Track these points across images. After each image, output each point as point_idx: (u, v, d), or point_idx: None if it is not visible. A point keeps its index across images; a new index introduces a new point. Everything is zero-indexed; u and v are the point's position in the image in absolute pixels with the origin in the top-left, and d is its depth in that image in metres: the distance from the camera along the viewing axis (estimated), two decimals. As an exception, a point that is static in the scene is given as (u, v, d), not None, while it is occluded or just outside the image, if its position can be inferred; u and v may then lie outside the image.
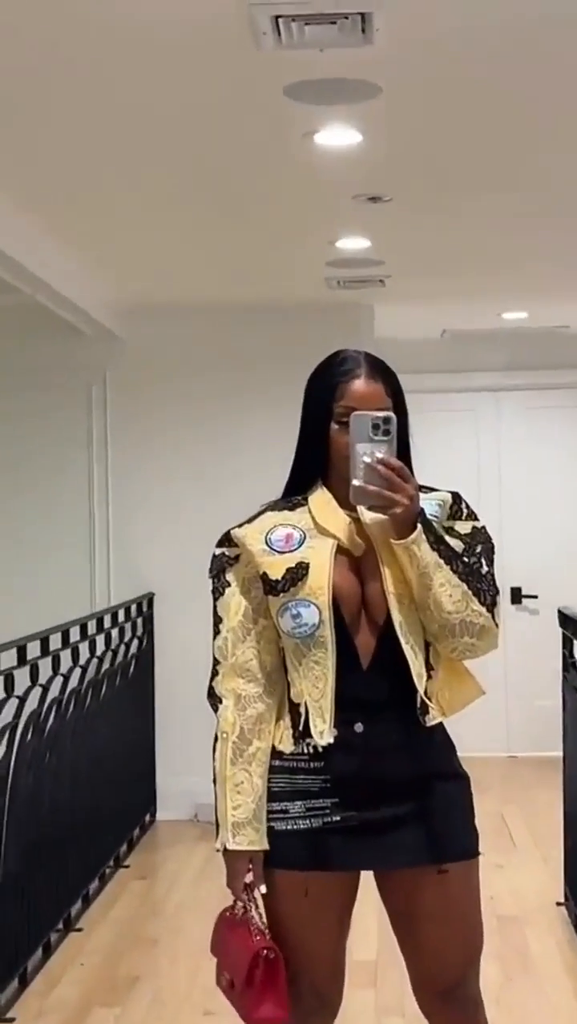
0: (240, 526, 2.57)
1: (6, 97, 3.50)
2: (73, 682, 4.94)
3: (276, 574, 2.48)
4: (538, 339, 7.72)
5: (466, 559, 2.49)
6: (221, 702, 2.51)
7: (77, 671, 5.03)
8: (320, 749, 2.44)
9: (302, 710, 2.46)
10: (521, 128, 3.88)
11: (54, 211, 4.66)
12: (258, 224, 4.94)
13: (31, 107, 3.61)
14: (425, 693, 2.48)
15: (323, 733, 2.43)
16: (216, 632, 2.54)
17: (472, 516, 2.57)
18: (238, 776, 2.46)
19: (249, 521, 2.57)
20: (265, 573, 2.49)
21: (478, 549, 2.53)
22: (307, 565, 2.47)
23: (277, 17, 2.89)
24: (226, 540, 2.57)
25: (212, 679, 2.54)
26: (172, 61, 3.25)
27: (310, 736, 2.45)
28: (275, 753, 2.50)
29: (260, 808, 2.46)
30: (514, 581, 7.85)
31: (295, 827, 2.46)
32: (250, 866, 2.46)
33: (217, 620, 2.55)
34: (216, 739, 2.50)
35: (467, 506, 2.58)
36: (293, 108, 3.52)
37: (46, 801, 4.52)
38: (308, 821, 2.46)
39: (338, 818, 2.45)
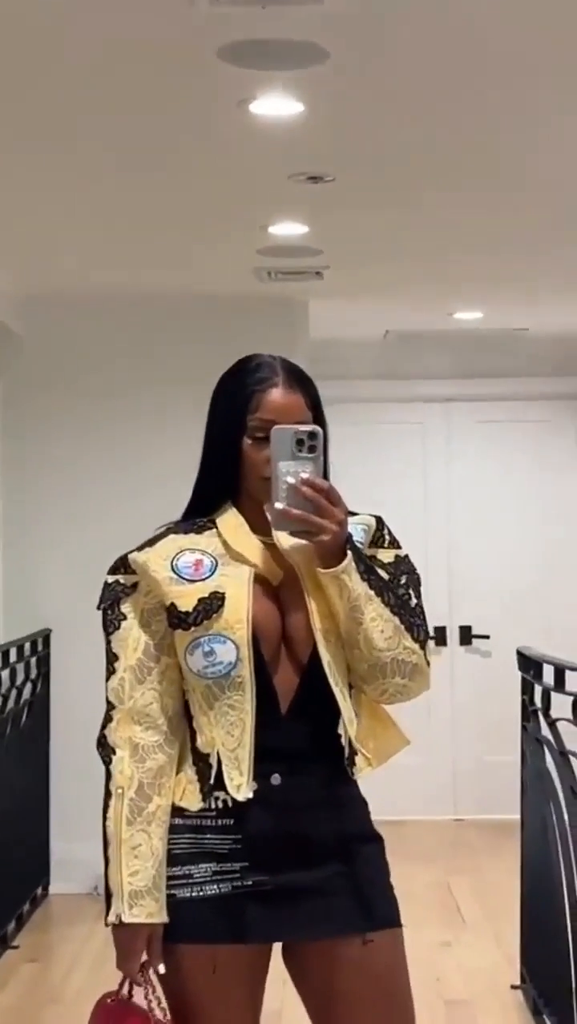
0: (139, 550, 2.57)
1: None
2: None
3: (186, 605, 2.48)
4: (494, 343, 7.82)
5: (395, 591, 2.54)
6: (115, 752, 2.49)
7: None
8: (230, 804, 2.45)
9: (212, 761, 2.47)
10: (484, 108, 3.92)
11: None
12: (181, 204, 4.96)
13: None
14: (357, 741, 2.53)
15: (240, 787, 2.44)
16: (110, 672, 2.53)
17: (395, 543, 2.63)
18: (136, 838, 2.45)
19: (149, 544, 2.57)
20: (173, 604, 2.49)
21: (403, 580, 2.59)
22: (222, 595, 2.49)
23: (211, -33, 2.93)
24: (121, 566, 2.57)
25: (104, 726, 2.52)
26: (90, 14, 3.23)
27: (220, 790, 2.46)
28: (175, 810, 2.49)
29: (160, 875, 2.45)
30: (464, 619, 7.99)
31: (200, 893, 2.46)
32: (147, 943, 2.45)
33: (112, 658, 2.54)
34: (108, 795, 2.48)
35: (389, 532, 2.63)
36: (227, 72, 3.51)
37: None
38: (216, 886, 2.46)
39: (250, 883, 2.46)
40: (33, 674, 6.29)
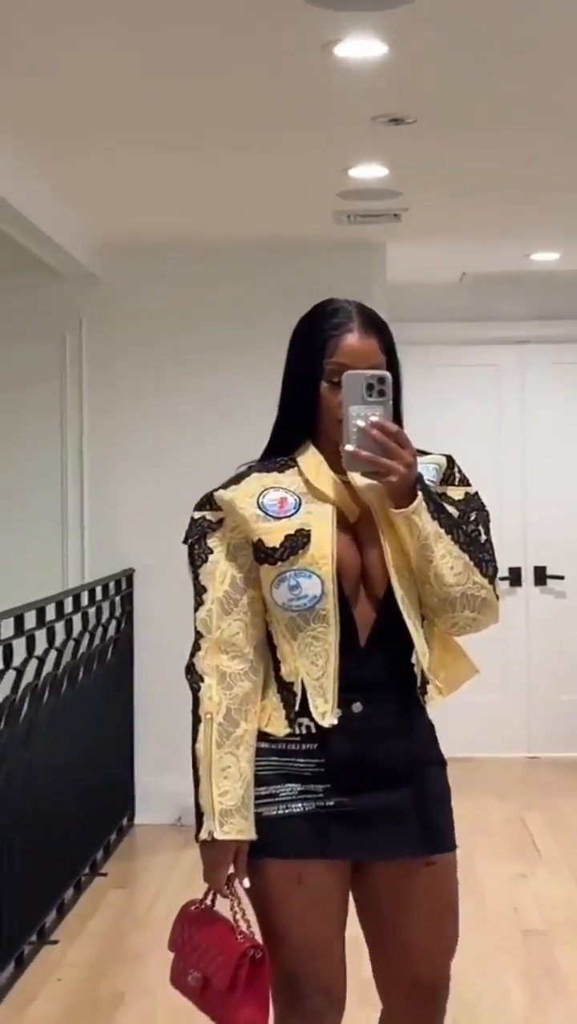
0: (224, 487, 2.62)
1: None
2: (47, 667, 5.00)
3: (273, 541, 2.54)
4: (571, 284, 7.77)
5: (465, 528, 2.60)
6: (203, 680, 2.56)
7: (52, 654, 5.09)
8: (314, 730, 2.54)
9: (297, 689, 2.55)
10: (564, 49, 3.89)
11: (29, 132, 4.66)
12: (262, 148, 4.97)
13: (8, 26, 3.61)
14: (430, 671, 2.61)
15: (325, 715, 2.52)
16: (199, 603, 2.59)
17: (465, 481, 2.68)
18: (225, 760, 2.53)
19: (235, 482, 2.63)
20: (260, 540, 2.55)
21: (473, 516, 2.65)
22: (308, 532, 2.55)
23: None
24: (208, 503, 2.63)
25: (193, 655, 2.59)
26: None
27: (305, 717, 2.54)
28: (262, 736, 2.57)
29: (248, 795, 2.53)
30: (538, 560, 7.98)
31: (287, 811, 2.54)
32: (234, 858, 2.53)
33: (200, 590, 2.60)
34: (197, 720, 2.56)
35: (460, 471, 2.68)
36: (312, 14, 3.52)
37: (15, 801, 4.58)
38: (300, 805, 2.55)
39: (332, 803, 2.54)
40: (117, 612, 6.37)
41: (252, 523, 2.57)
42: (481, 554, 2.60)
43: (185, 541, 2.64)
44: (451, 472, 2.68)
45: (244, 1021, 2.52)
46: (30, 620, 4.83)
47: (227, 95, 4.34)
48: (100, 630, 5.99)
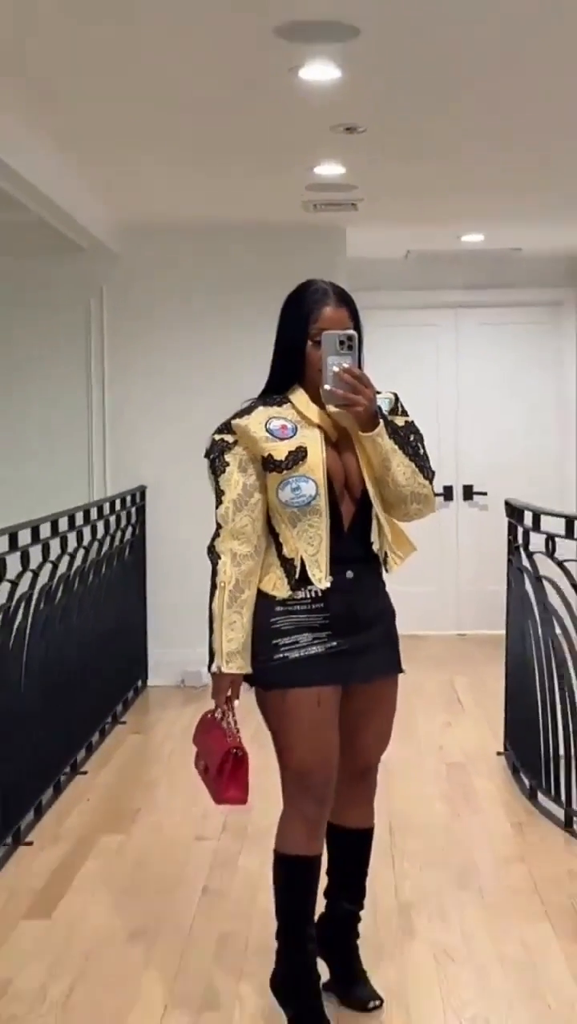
0: (239, 417, 2.80)
1: (22, 35, 3.52)
2: (77, 562, 5.06)
3: (280, 455, 2.74)
4: (493, 260, 7.74)
5: (410, 446, 2.82)
6: (220, 558, 2.77)
7: (81, 552, 5.14)
8: (319, 594, 2.75)
9: (296, 563, 2.75)
10: (484, 67, 3.89)
11: (62, 133, 4.65)
12: (245, 150, 4.96)
13: (49, 46, 3.64)
14: (388, 548, 2.85)
15: (320, 580, 2.74)
16: (219, 503, 2.79)
17: (405, 412, 2.89)
18: (232, 617, 2.75)
19: (246, 413, 2.80)
20: (270, 455, 2.75)
21: (412, 438, 2.85)
22: (305, 449, 2.75)
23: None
24: (226, 428, 2.81)
25: (213, 539, 2.79)
26: (182, 6, 3.27)
27: (308, 584, 2.74)
28: (275, 601, 2.77)
29: (246, 643, 2.75)
30: (467, 480, 8.02)
31: (307, 653, 2.76)
32: (232, 686, 2.78)
33: (220, 493, 2.79)
34: (214, 587, 2.77)
35: (402, 405, 2.89)
36: (282, 46, 3.56)
37: (54, 666, 4.66)
38: (315, 648, 2.77)
39: (334, 644, 2.77)
40: (133, 520, 6.37)
41: (262, 443, 2.75)
42: (422, 463, 2.82)
43: (207, 455, 2.82)
44: (396, 406, 2.88)
45: (229, 798, 2.77)
46: (63, 524, 4.89)
47: (217, 109, 4.35)
48: (119, 533, 6.02)
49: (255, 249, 6.56)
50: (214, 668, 2.77)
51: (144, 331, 6.70)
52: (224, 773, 2.76)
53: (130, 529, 6.32)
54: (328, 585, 2.75)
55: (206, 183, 5.60)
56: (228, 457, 2.79)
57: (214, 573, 2.78)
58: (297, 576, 2.76)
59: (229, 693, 2.79)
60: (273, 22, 3.40)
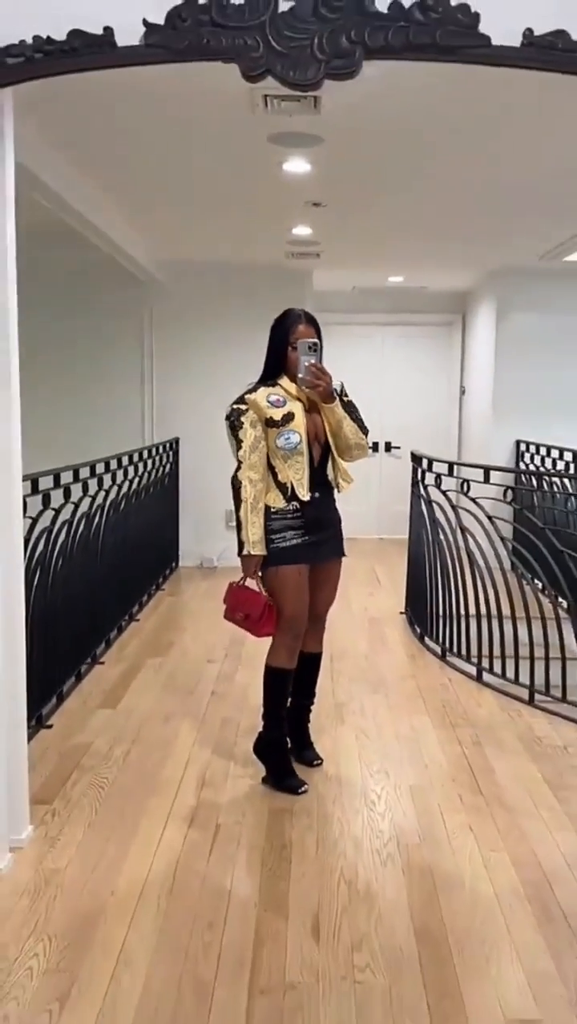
0: (250, 393, 2.81)
1: (116, 137, 3.45)
2: (133, 485, 5.03)
3: (278, 417, 2.76)
4: (409, 294, 7.66)
5: (353, 415, 2.83)
6: (242, 483, 2.76)
7: (136, 479, 5.11)
8: (299, 506, 2.77)
9: (288, 486, 2.77)
10: (407, 168, 3.85)
11: (126, 197, 4.53)
12: (248, 215, 4.87)
13: (129, 145, 3.55)
14: (339, 478, 2.87)
15: (304, 495, 2.77)
16: (239, 447, 2.78)
17: (346, 394, 2.88)
18: (254, 519, 2.76)
19: (254, 391, 2.81)
20: (271, 416, 2.76)
21: (353, 410, 2.86)
22: (293, 413, 2.78)
23: (265, 96, 2.93)
24: (241, 401, 2.81)
25: (237, 471, 2.78)
26: (206, 120, 3.22)
27: (295, 500, 2.77)
28: (272, 511, 2.78)
29: (263, 537, 2.76)
30: (388, 438, 7.94)
31: (292, 543, 2.79)
32: (257, 564, 2.79)
33: (240, 441, 2.78)
34: (241, 501, 2.76)
35: (345, 389, 2.89)
36: (273, 149, 3.53)
37: (114, 551, 4.60)
38: (297, 539, 2.80)
39: (308, 538, 2.81)
40: (170, 460, 6.30)
41: (266, 409, 2.76)
42: (362, 425, 2.84)
43: (228, 418, 2.80)
44: (342, 390, 2.88)
45: (267, 632, 2.81)
46: (125, 460, 4.85)
47: (230, 188, 4.25)
48: (160, 468, 5.95)
49: (253, 282, 6.45)
50: (246, 551, 2.76)
51: (179, 335, 6.59)
52: (263, 617, 2.79)
53: (168, 465, 6.26)
54: (309, 498, 2.78)
55: (221, 237, 5.49)
56: (243, 419, 2.79)
57: (239, 492, 2.77)
58: (289, 494, 2.78)
59: (256, 567, 2.81)
60: (267, 132, 3.37)
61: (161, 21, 1.93)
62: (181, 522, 6.69)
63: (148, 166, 3.91)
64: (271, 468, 2.82)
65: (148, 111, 3.14)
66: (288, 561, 2.80)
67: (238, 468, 2.79)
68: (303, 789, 2.92)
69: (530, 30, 1.62)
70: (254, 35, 1.81)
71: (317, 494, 2.83)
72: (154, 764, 3.11)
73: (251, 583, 2.84)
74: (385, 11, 1.75)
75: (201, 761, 3.15)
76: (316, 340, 2.78)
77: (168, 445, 6.32)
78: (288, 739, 3.13)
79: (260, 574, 2.84)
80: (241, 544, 2.79)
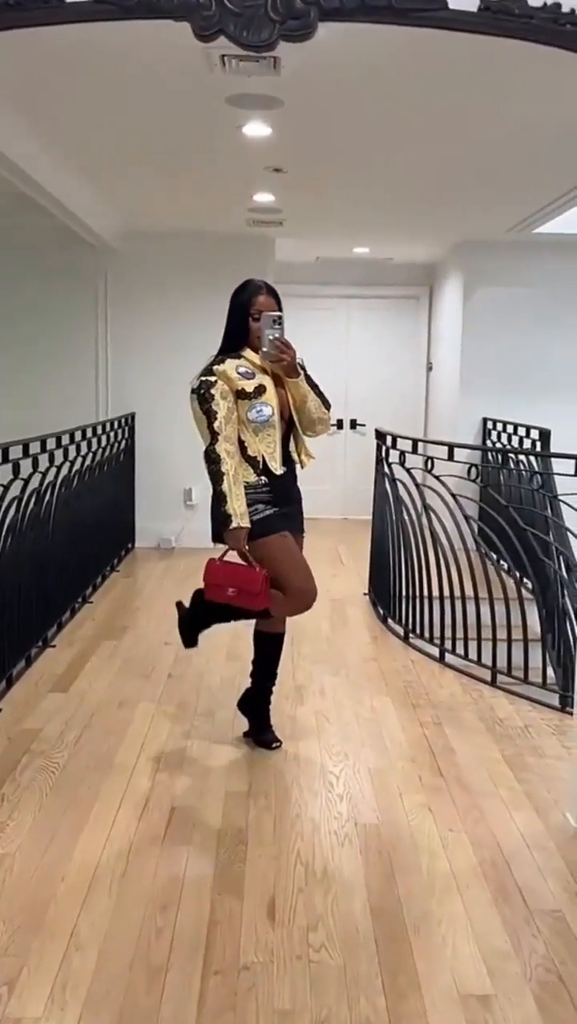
0: (217, 365, 2.79)
1: (71, 98, 3.39)
2: (87, 461, 5.01)
3: (249, 388, 2.77)
4: (374, 266, 7.65)
5: (316, 388, 2.86)
6: (221, 456, 2.74)
7: (90, 455, 5.09)
8: (271, 480, 2.79)
9: (259, 460, 2.79)
10: (373, 127, 3.82)
11: (81, 161, 4.48)
12: (207, 181, 4.84)
13: (84, 106, 3.50)
14: (301, 454, 2.90)
15: (277, 468, 2.79)
16: (213, 419, 2.76)
17: (306, 368, 2.88)
18: (237, 491, 2.76)
19: (221, 363, 2.79)
20: (242, 388, 2.76)
21: (313, 383, 2.87)
22: (264, 386, 2.79)
23: (223, 56, 2.91)
24: (209, 372, 2.79)
25: (212, 444, 2.76)
26: (163, 79, 3.19)
27: (265, 474, 2.78)
28: (245, 484, 2.79)
29: (245, 508, 2.76)
30: (352, 415, 7.97)
31: (267, 513, 2.80)
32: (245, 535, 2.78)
33: (212, 413, 2.76)
34: (222, 474, 2.74)
35: (304, 364, 2.88)
36: (231, 111, 3.51)
37: (66, 529, 4.58)
38: (273, 510, 2.81)
39: (279, 509, 2.83)
40: (126, 436, 6.27)
41: (236, 381, 2.76)
42: (324, 399, 2.87)
43: (197, 391, 2.77)
44: (302, 363, 2.87)
45: (263, 604, 2.79)
46: (78, 435, 4.81)
47: (189, 152, 4.22)
48: (116, 443, 5.92)
49: (213, 250, 6.40)
50: (233, 525, 2.74)
51: (136, 306, 6.52)
52: (262, 590, 2.77)
53: (124, 441, 6.22)
54: (282, 472, 2.80)
55: (180, 203, 5.44)
56: (214, 391, 2.77)
57: (219, 466, 2.74)
58: (261, 468, 2.80)
59: (244, 539, 2.79)
60: (225, 94, 3.34)
61: (110, -25, 1.92)
62: (137, 501, 6.65)
63: (103, 129, 3.86)
64: (240, 442, 2.82)
65: (102, 70, 3.10)
66: (269, 531, 2.81)
67: (214, 441, 2.76)
68: (275, 744, 3.09)
69: (489, -6, 1.64)
70: (207, -8, 1.80)
71: (285, 468, 2.85)
72: (107, 748, 3.13)
73: (233, 557, 2.83)
74: (342, -29, 1.77)
75: (156, 745, 3.17)
76: (280, 313, 2.79)
77: (124, 420, 6.28)
78: (248, 721, 3.18)
79: (253, 555, 2.84)
80: (227, 517, 2.76)
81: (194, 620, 3.04)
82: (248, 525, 2.77)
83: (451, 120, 3.61)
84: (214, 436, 2.76)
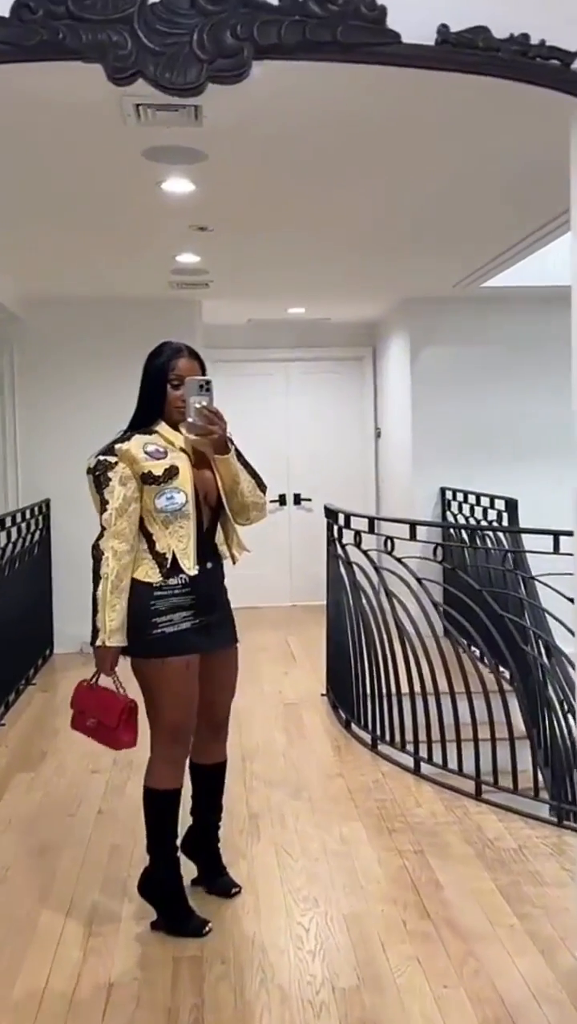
0: (121, 443, 2.67)
1: None
2: None
3: (158, 471, 2.63)
4: (311, 327, 7.77)
5: (248, 466, 2.76)
6: (104, 554, 2.61)
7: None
8: (187, 581, 2.63)
9: (168, 556, 2.63)
10: (306, 177, 3.83)
11: None
12: (123, 242, 4.83)
13: None
14: (232, 547, 2.78)
15: (190, 568, 2.64)
16: (104, 509, 2.64)
17: (233, 443, 2.77)
18: (114, 601, 2.60)
19: (126, 440, 2.67)
20: (150, 471, 2.62)
21: (246, 461, 2.78)
22: (177, 467, 2.65)
23: (138, 105, 2.87)
24: (108, 451, 2.67)
25: (98, 539, 2.63)
26: (72, 130, 3.15)
27: (179, 573, 2.62)
28: (152, 587, 2.62)
29: (124, 622, 2.60)
30: (296, 489, 7.98)
31: (179, 628, 2.63)
32: (114, 657, 2.64)
33: (104, 502, 2.64)
34: (99, 577, 2.61)
35: (233, 440, 2.77)
36: (148, 165, 3.49)
37: None
38: (186, 624, 2.65)
39: (198, 621, 2.67)
40: (40, 525, 6.16)
41: (142, 462, 2.63)
42: (259, 480, 2.77)
43: (92, 472, 2.66)
44: (231, 439, 2.76)
45: (125, 742, 2.66)
46: None
47: (101, 212, 4.20)
48: (29, 535, 5.80)
49: (131, 316, 6.39)
50: (99, 642, 2.61)
51: (47, 377, 6.46)
52: (122, 723, 2.64)
53: (38, 532, 6.11)
54: (196, 572, 2.65)
55: (93, 267, 5.43)
56: (111, 474, 2.65)
57: (99, 566, 2.62)
58: (169, 566, 2.64)
59: (113, 661, 2.66)
60: (141, 147, 3.32)
61: (6, 13, 1.85)
62: (55, 600, 6.50)
63: (5, 186, 3.81)
64: (145, 534, 2.67)
65: (2, 119, 3.04)
66: (177, 650, 2.64)
67: (101, 535, 2.65)
68: (207, 929, 2.75)
69: (445, 26, 1.60)
70: (120, 30, 1.73)
71: (209, 564, 2.71)
72: (27, 910, 2.92)
73: (106, 681, 2.68)
74: (276, 2, 1.72)
75: (86, 903, 2.97)
76: (208, 378, 2.69)
77: (37, 509, 6.16)
78: (196, 866, 2.98)
79: (137, 670, 2.67)
80: (95, 631, 2.62)
81: (166, 911, 2.76)
82: (119, 643, 2.62)
83: (390, 167, 3.64)
84: (102, 528, 2.65)
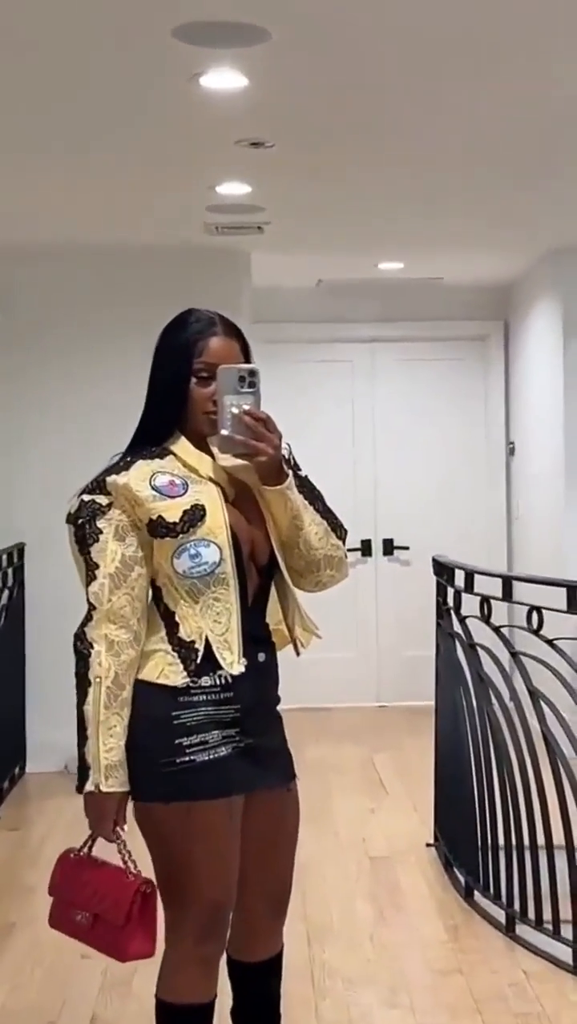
0: (116, 474, 2.59)
1: None
2: None
3: (173, 517, 2.54)
4: (413, 290, 7.82)
5: (319, 500, 2.69)
6: (92, 647, 2.53)
7: None
8: (229, 681, 2.54)
9: (199, 646, 2.54)
10: (402, 84, 3.91)
11: None
12: (140, 166, 4.92)
13: None
14: (296, 627, 2.71)
15: (233, 664, 2.53)
16: (91, 578, 2.56)
17: (298, 466, 2.72)
18: (111, 720, 2.51)
19: (124, 469, 2.60)
20: (160, 516, 2.54)
21: (315, 492, 2.71)
22: (203, 507, 2.56)
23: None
24: (98, 488, 2.60)
25: (84, 624, 2.56)
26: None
27: (216, 670, 2.53)
28: (173, 691, 2.53)
29: (123, 755, 2.52)
30: (386, 533, 8.04)
31: (216, 756, 2.53)
32: (117, 808, 2.52)
33: (92, 566, 2.56)
34: (87, 683, 2.52)
35: (294, 457, 2.72)
36: (180, 49, 3.52)
37: None
38: (226, 748, 2.55)
39: (244, 744, 2.58)
40: (10, 582, 6.23)
41: (149, 503, 2.55)
42: (333, 520, 2.70)
43: (74, 521, 2.59)
44: (291, 456, 2.71)
45: (135, 952, 2.54)
46: None
47: (108, 120, 4.31)
48: None
49: (152, 277, 6.44)
50: (89, 787, 2.50)
51: (28, 374, 6.55)
52: (133, 919, 2.50)
53: (6, 593, 6.15)
54: (243, 669, 2.54)
55: (97, 202, 5.53)
56: (101, 523, 2.57)
57: (85, 667, 2.52)
58: (200, 660, 2.53)
59: (116, 817, 2.52)
60: (171, 23, 3.35)
61: None
62: (30, 693, 6.57)
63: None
64: (163, 613, 2.60)
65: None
66: (214, 790, 2.54)
67: (87, 618, 2.56)
68: None
69: None
70: None
71: (262, 656, 2.62)
72: None
73: (109, 850, 2.55)
74: None
75: None
76: (252, 366, 2.60)
77: (6, 558, 6.24)
78: None
79: (148, 821, 2.54)
80: (83, 770, 2.52)
81: None
82: (118, 788, 2.52)
83: (538, 50, 3.65)
84: (91, 608, 2.57)
